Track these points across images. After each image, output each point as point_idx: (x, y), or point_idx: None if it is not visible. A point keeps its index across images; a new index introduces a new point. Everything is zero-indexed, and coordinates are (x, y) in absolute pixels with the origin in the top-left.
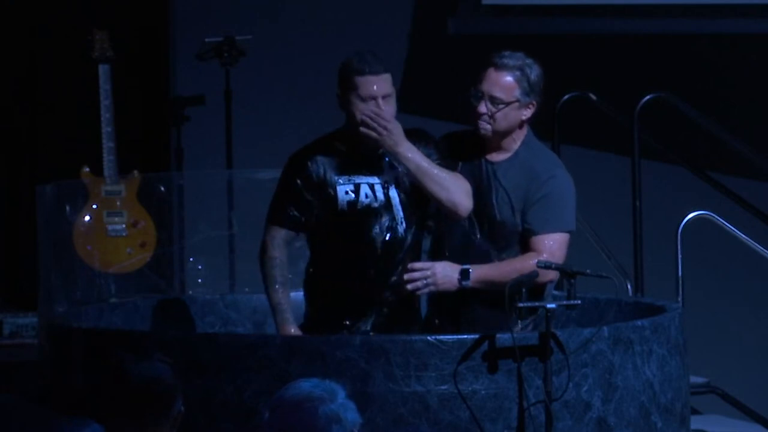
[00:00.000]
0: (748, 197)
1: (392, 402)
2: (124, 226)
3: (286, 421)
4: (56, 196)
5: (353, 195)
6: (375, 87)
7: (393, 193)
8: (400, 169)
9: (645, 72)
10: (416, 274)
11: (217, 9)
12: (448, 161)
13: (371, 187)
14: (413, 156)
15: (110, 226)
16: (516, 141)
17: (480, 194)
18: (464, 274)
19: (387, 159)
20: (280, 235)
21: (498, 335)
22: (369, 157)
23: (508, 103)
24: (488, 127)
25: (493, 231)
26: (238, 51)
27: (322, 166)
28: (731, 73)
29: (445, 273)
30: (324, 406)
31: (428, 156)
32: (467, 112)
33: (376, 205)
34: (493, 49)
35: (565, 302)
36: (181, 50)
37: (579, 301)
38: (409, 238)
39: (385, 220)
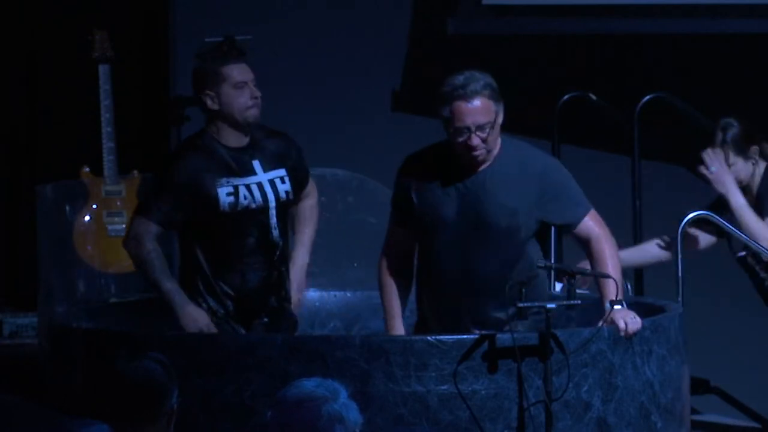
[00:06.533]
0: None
1: (392, 402)
2: (124, 226)
3: (288, 420)
4: (56, 196)
5: (233, 197)
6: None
7: (271, 196)
8: (274, 175)
9: (645, 72)
10: (630, 325)
11: (217, 9)
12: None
13: (248, 188)
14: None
15: (110, 226)
16: (497, 148)
17: (469, 210)
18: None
19: (257, 162)
20: (153, 230)
21: (498, 335)
22: (244, 159)
23: (494, 122)
24: (484, 152)
25: (496, 242)
26: (238, 51)
27: (202, 169)
28: (731, 73)
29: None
30: (327, 406)
31: (289, 159)
32: (455, 144)
33: (254, 206)
34: (489, 50)
35: (565, 302)
36: (181, 50)
37: (579, 301)
38: (281, 242)
39: (265, 218)
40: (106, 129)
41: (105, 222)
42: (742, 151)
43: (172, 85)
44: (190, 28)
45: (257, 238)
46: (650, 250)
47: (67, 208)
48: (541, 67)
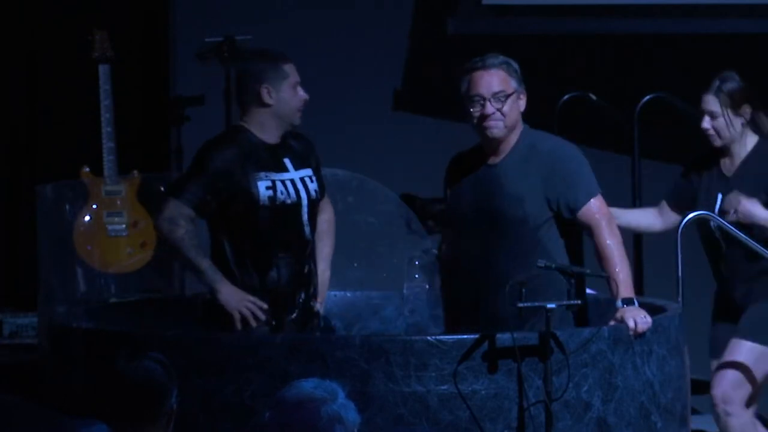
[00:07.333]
0: None
1: (392, 402)
2: (124, 226)
3: (288, 421)
4: (56, 196)
5: (272, 191)
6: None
7: (303, 193)
8: (303, 174)
9: (645, 72)
10: (640, 324)
11: (217, 9)
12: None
13: (284, 183)
14: None
15: (110, 226)
16: (515, 137)
17: (483, 203)
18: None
19: (288, 159)
20: (187, 212)
21: (498, 335)
22: (279, 155)
23: (510, 94)
24: (500, 124)
25: (507, 234)
26: (238, 51)
27: (240, 161)
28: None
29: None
30: (326, 406)
31: (312, 160)
32: (470, 121)
33: (289, 202)
34: (489, 50)
35: (565, 302)
36: (181, 50)
37: (579, 301)
38: (311, 240)
39: (299, 215)
40: (106, 129)
41: (105, 222)
42: (734, 107)
43: (172, 85)
44: (190, 28)
45: (291, 235)
46: (644, 216)
47: (67, 208)
48: (541, 67)
